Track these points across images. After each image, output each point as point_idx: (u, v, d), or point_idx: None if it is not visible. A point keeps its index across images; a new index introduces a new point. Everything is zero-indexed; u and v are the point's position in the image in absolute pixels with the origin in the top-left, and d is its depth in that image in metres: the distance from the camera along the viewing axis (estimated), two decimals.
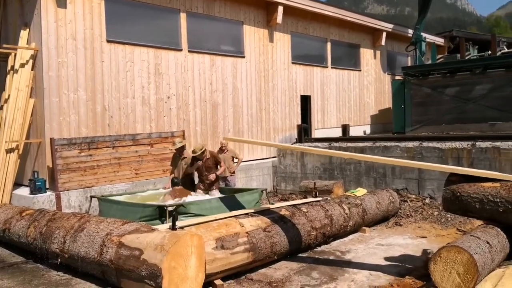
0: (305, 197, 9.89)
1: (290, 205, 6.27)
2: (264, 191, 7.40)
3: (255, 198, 6.92)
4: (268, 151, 11.82)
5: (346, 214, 6.78)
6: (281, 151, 11.50)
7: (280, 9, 11.67)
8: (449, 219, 7.85)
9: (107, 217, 5.41)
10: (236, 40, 11.28)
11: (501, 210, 4.22)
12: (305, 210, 6.21)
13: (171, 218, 4.90)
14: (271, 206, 6.11)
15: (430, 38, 17.86)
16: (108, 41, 8.62)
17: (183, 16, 9.94)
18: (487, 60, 12.82)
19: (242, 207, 6.41)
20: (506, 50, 14.63)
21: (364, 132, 15.62)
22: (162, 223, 5.55)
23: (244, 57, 11.28)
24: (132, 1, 9.05)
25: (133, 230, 4.61)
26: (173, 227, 4.57)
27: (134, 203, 6.51)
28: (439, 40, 19.08)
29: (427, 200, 8.88)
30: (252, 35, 11.53)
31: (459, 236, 6.94)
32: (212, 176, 7.66)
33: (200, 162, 7.75)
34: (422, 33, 15.86)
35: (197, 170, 7.94)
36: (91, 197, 7.28)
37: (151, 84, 9.30)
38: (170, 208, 5.70)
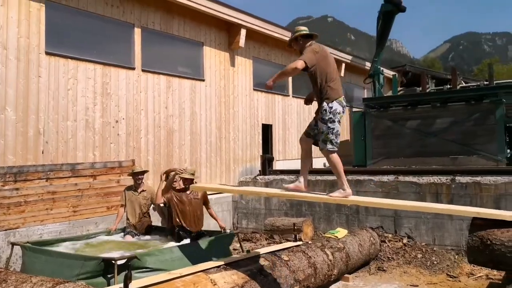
0: (271, 237, 8.89)
1: (268, 253, 5.19)
2: (237, 235, 6.26)
3: (226, 244, 5.73)
4: (228, 184, 10.70)
5: (330, 260, 5.81)
6: (242, 184, 10.46)
7: (243, 32, 10.90)
8: (435, 262, 7.11)
9: (32, 274, 4.03)
10: (196, 62, 10.28)
11: None
12: (286, 259, 5.16)
13: (124, 276, 3.65)
14: (247, 255, 4.99)
15: (385, 72, 17.91)
16: (47, 53, 7.28)
17: (137, 31, 8.83)
18: (448, 94, 12.75)
19: (211, 256, 5.22)
20: (464, 84, 14.84)
21: (324, 165, 14.94)
22: (109, 283, 4.25)
23: (203, 80, 10.28)
24: (79, 10, 7.82)
25: None
26: None
27: (71, 255, 5.05)
28: (393, 74, 19.24)
29: (405, 240, 8.15)
30: (213, 58, 10.60)
31: (453, 284, 6.19)
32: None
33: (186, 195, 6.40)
34: (379, 66, 15.80)
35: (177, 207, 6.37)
36: (12, 244, 5.64)
37: (97, 106, 7.99)
38: (119, 262, 4.40)
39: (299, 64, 4.25)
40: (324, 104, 4.33)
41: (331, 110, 4.28)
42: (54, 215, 7.07)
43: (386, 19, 15.06)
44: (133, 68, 8.69)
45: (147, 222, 6.95)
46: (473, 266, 6.53)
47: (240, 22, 10.77)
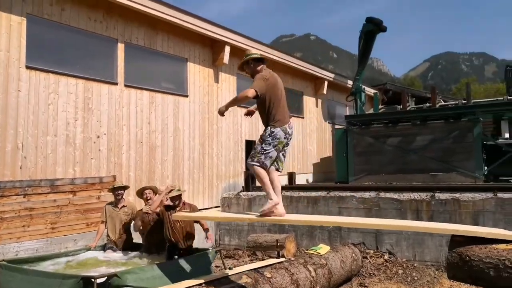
0: (254, 253, 8.83)
1: (251, 270, 5.16)
2: (219, 252, 6.20)
3: (208, 262, 5.66)
4: (210, 201, 10.65)
5: (313, 277, 5.79)
6: (225, 200, 10.41)
7: (227, 49, 10.99)
8: (416, 278, 7.16)
9: None
10: (179, 78, 10.30)
11: None
12: (269, 276, 5.13)
13: None
14: (229, 272, 4.95)
15: (367, 90, 18.21)
16: (28, 67, 7.20)
17: (121, 46, 8.82)
18: (427, 112, 13.01)
19: (192, 274, 5.15)
20: (443, 102, 15.17)
21: (307, 181, 15.05)
22: None
23: (187, 96, 10.28)
24: (61, 24, 7.78)
25: None
26: None
27: (48, 273, 4.90)
28: (374, 92, 19.58)
29: (387, 256, 8.20)
30: (197, 74, 10.63)
31: None
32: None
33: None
34: (361, 84, 16.06)
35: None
36: None
37: (78, 121, 7.90)
38: (99, 280, 4.30)
39: (250, 92, 4.40)
40: (268, 128, 4.46)
41: (272, 134, 4.43)
42: (31, 232, 6.90)
43: (367, 38, 15.38)
44: (116, 83, 8.65)
45: (128, 238, 6.84)
46: (453, 281, 6.58)
47: (224, 39, 10.87)
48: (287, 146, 4.59)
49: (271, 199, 4.48)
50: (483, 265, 3.69)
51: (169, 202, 6.47)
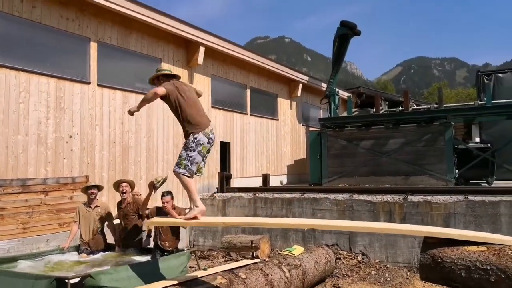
0: (228, 254, 8.82)
1: (226, 271, 5.15)
2: (194, 253, 6.16)
3: (183, 262, 5.61)
4: (185, 202, 10.54)
5: (287, 278, 5.83)
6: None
7: (202, 50, 10.94)
8: (388, 279, 7.31)
9: None
10: None
11: (492, 280, 3.61)
12: (243, 276, 5.14)
13: None
14: (203, 273, 4.93)
15: (340, 93, 18.47)
16: None
17: (93, 45, 8.66)
18: (400, 115, 13.29)
19: (166, 274, 5.10)
20: (416, 106, 15.51)
21: (281, 182, 15.14)
22: None
23: None
24: (32, 22, 7.59)
25: None
26: None
27: (20, 273, 4.77)
28: (348, 95, 19.87)
29: (360, 257, 8.33)
30: None
31: None
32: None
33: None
34: (335, 87, 16.27)
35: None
36: None
37: (50, 120, 7.72)
38: (73, 281, 4.21)
39: (159, 90, 4.41)
40: (191, 135, 4.47)
41: (195, 140, 4.42)
42: (2, 232, 6.70)
43: (341, 42, 15.60)
44: (89, 83, 8.49)
45: (101, 239, 6.72)
46: (425, 282, 6.74)
47: (198, 40, 10.82)
48: (208, 153, 4.58)
49: (197, 206, 4.50)
50: (455, 267, 3.79)
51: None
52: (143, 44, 9.85)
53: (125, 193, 6.70)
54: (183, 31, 10.38)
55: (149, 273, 4.97)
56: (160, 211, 6.48)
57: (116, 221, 6.92)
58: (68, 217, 7.47)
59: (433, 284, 6.19)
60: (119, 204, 6.82)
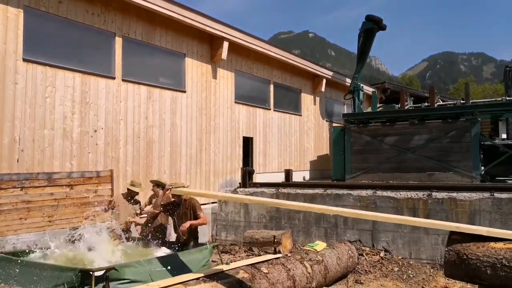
0: (250, 249, 8.83)
1: (248, 265, 5.15)
2: (217, 247, 6.19)
3: (205, 256, 5.64)
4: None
5: (309, 273, 5.80)
6: None
7: (226, 45, 10.96)
8: (411, 276, 7.19)
9: (6, 286, 3.89)
10: (177, 73, 10.27)
11: None
12: (265, 271, 5.13)
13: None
14: (226, 267, 4.94)
15: (365, 88, 18.22)
16: (25, 60, 7.16)
17: (118, 41, 8.78)
18: (425, 111, 13.02)
19: (190, 268, 5.14)
20: (441, 102, 15.18)
21: (304, 178, 15.06)
22: None
23: (185, 91, 10.26)
24: (58, 17, 7.74)
25: None
26: None
27: (46, 265, 4.89)
28: (372, 91, 19.59)
29: (382, 254, 8.22)
30: (195, 69, 10.60)
31: None
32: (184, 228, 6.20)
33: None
34: (359, 83, 16.06)
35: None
36: None
37: (75, 115, 7.87)
38: (97, 273, 4.29)
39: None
40: None
41: None
42: (29, 225, 6.86)
43: (367, 36, 15.38)
44: (113, 78, 8.62)
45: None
46: (448, 279, 6.61)
47: (222, 34, 10.84)
48: None
49: None
50: (480, 264, 3.70)
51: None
52: (167, 39, 9.93)
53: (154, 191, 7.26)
54: (207, 25, 10.41)
55: (172, 266, 5.01)
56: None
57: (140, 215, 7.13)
58: (92, 211, 7.62)
59: (456, 281, 6.09)
60: (151, 200, 7.14)
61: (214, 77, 11.20)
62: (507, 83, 15.30)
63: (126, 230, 7.02)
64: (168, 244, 6.41)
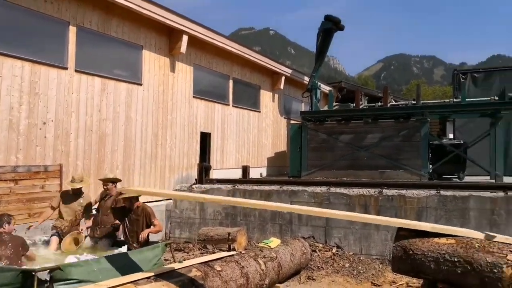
0: (204, 247, 8.79)
1: (201, 263, 5.12)
2: (169, 245, 6.10)
3: (157, 255, 5.54)
4: None
5: (262, 270, 5.84)
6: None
7: (185, 38, 10.79)
8: (361, 271, 7.41)
9: None
10: (134, 65, 10.00)
11: (459, 272, 3.69)
12: (219, 269, 5.12)
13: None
14: (178, 265, 4.88)
15: (322, 87, 18.53)
16: None
17: (72, 30, 8.43)
18: (379, 111, 13.42)
19: (140, 267, 5.03)
20: (394, 102, 15.68)
21: (261, 175, 15.15)
22: None
23: (141, 84, 10.02)
24: (8, 3, 7.32)
25: None
26: None
27: None
28: (329, 89, 19.95)
29: (334, 250, 8.42)
30: (152, 62, 10.37)
31: None
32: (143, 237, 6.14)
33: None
34: (317, 81, 16.30)
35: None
36: None
37: (23, 106, 7.49)
38: (40, 274, 4.10)
39: None
40: None
41: None
42: None
43: (325, 36, 15.61)
44: (66, 68, 8.28)
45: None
46: (395, 274, 6.86)
47: (182, 28, 10.66)
48: None
49: None
50: (424, 259, 3.88)
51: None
52: (125, 31, 9.64)
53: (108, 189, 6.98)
54: (166, 18, 10.20)
55: (122, 265, 4.88)
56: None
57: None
58: (38, 207, 7.32)
59: (404, 276, 6.35)
60: (103, 196, 6.92)
61: (172, 70, 11.01)
62: (455, 86, 16.06)
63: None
64: (120, 243, 6.27)
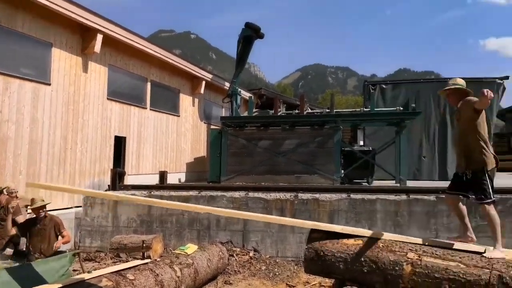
0: (117, 256, 8.42)
1: (112, 273, 4.88)
2: (78, 255, 5.73)
3: (64, 265, 5.16)
4: (71, 199, 9.84)
5: (178, 277, 5.73)
6: (88, 200, 9.67)
7: (99, 37, 10.30)
8: (277, 273, 7.58)
9: None
10: (42, 64, 9.32)
11: (365, 271, 3.91)
12: (132, 278, 4.92)
13: None
14: (88, 276, 4.61)
15: (243, 93, 18.75)
16: None
17: None
18: (295, 118, 13.89)
19: (45, 279, 4.66)
20: (310, 110, 16.31)
21: (179, 180, 14.89)
22: None
23: (50, 84, 9.36)
24: None
25: None
26: None
27: None
28: (249, 96, 20.25)
29: (252, 253, 8.53)
30: (63, 61, 9.75)
31: None
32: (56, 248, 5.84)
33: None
34: (237, 87, 16.46)
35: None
36: None
37: None
38: None
39: None
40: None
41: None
42: None
43: (245, 43, 15.83)
44: None
45: None
46: (309, 275, 7.12)
47: (96, 26, 10.17)
48: None
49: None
50: (334, 259, 4.07)
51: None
52: (32, 26, 8.95)
53: None
54: (78, 15, 9.66)
55: (25, 277, 4.49)
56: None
57: None
58: None
59: (316, 276, 6.61)
60: None
61: (85, 70, 10.44)
62: (366, 96, 17.15)
63: None
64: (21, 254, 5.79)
